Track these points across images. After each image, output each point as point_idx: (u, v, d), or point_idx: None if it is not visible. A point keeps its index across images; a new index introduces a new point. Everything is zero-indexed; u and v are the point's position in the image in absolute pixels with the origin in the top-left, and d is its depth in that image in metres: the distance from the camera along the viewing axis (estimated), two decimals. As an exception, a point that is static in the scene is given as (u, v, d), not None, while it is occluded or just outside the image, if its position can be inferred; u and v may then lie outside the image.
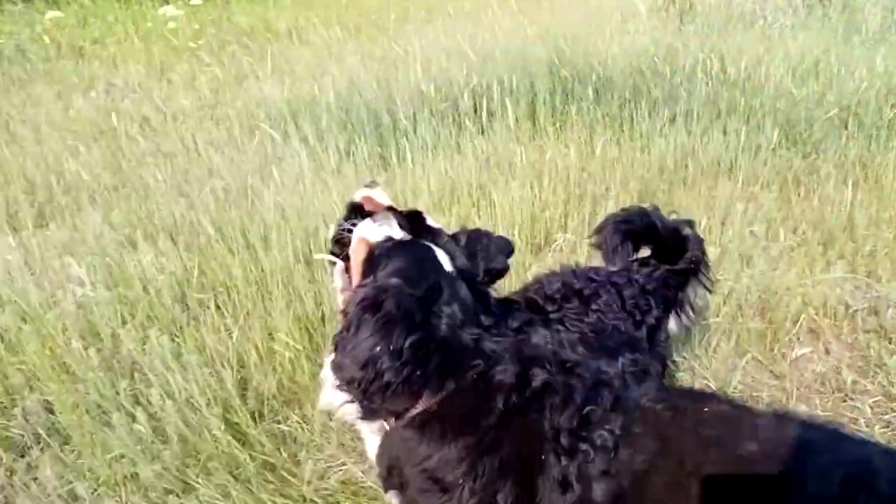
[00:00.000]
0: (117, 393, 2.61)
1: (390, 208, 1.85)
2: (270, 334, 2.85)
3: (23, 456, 2.58)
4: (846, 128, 4.97)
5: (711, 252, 2.96)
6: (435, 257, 1.64)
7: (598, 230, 2.43)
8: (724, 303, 3.13)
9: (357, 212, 1.86)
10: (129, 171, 4.88)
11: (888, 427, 2.63)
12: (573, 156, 4.34)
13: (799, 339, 3.05)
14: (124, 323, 2.98)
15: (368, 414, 1.54)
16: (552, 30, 6.70)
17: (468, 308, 1.55)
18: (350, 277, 1.74)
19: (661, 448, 1.32)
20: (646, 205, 2.45)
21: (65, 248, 3.84)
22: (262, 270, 3.24)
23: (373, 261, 1.64)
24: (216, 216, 3.75)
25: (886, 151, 4.52)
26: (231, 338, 2.81)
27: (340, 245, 1.81)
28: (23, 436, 2.60)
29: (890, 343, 3.00)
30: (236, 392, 2.56)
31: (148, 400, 2.54)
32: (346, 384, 1.46)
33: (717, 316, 3.06)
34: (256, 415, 2.56)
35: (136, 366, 2.75)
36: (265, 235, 3.50)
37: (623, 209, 2.46)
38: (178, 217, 3.89)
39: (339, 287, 1.83)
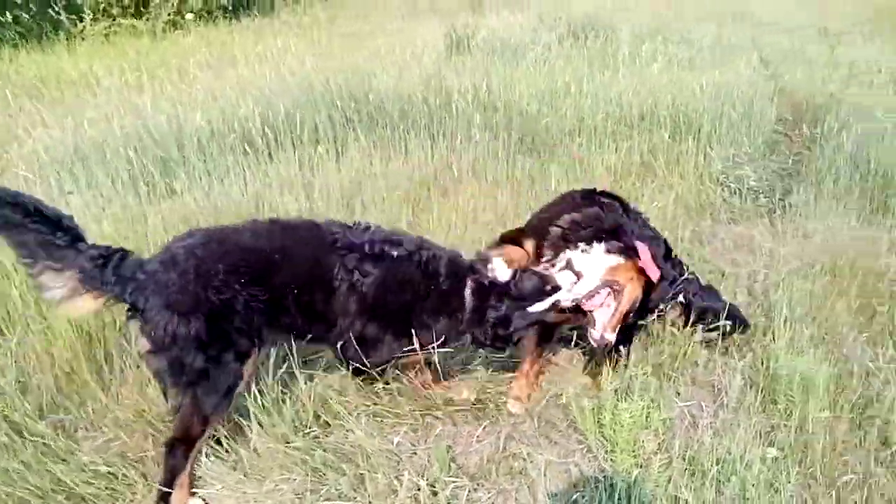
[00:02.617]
0: None
1: None
2: (50, 342, 3.11)
3: None
4: (578, 135, 6.04)
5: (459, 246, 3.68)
6: None
7: None
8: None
9: None
10: None
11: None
12: (344, 172, 4.95)
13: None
14: None
15: None
16: (337, 67, 7.37)
17: None
18: None
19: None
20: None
21: None
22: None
23: None
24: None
25: (602, 151, 5.58)
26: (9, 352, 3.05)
27: None
28: None
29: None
30: (14, 392, 2.82)
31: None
32: None
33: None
34: (37, 409, 2.82)
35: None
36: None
37: None
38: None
39: None
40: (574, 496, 2.60)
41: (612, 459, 2.69)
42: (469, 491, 2.56)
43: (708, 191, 5.36)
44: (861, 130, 6.15)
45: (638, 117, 6.47)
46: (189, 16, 12.46)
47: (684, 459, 2.76)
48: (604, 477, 2.63)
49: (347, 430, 2.82)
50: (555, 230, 3.06)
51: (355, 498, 2.56)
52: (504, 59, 8.56)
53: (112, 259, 2.37)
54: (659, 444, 2.85)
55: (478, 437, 2.89)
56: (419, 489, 2.50)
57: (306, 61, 7.98)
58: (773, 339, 3.41)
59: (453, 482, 2.56)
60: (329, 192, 4.68)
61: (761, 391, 3.16)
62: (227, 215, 4.35)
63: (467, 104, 6.19)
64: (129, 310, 2.43)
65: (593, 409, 2.80)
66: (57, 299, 2.36)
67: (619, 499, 2.51)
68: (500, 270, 2.72)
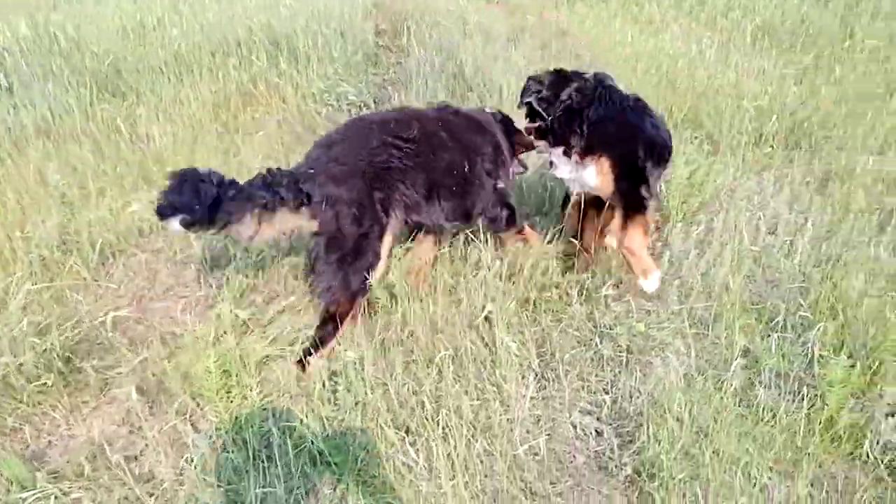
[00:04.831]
0: None
1: None
2: None
3: None
4: (168, 70, 5.53)
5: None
6: None
7: None
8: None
9: None
10: None
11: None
12: None
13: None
14: None
15: None
16: None
17: None
18: None
19: None
20: None
21: None
22: None
23: None
24: None
25: (196, 85, 5.19)
26: None
27: None
28: None
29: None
30: None
31: None
32: None
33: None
34: None
35: None
36: None
37: None
38: None
39: None
40: (193, 461, 2.43)
41: (214, 411, 2.57)
42: (59, 496, 2.23)
43: (311, 111, 5.37)
44: (441, 37, 6.68)
45: (234, 44, 6.16)
46: None
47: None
48: (215, 428, 2.50)
49: None
50: None
51: None
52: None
53: (275, 176, 2.62)
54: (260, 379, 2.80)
55: (69, 432, 2.53)
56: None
57: None
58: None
59: (35, 494, 2.20)
60: None
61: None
62: None
63: (25, 51, 5.23)
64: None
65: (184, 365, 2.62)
66: (254, 239, 2.63)
67: (218, 446, 2.42)
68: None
